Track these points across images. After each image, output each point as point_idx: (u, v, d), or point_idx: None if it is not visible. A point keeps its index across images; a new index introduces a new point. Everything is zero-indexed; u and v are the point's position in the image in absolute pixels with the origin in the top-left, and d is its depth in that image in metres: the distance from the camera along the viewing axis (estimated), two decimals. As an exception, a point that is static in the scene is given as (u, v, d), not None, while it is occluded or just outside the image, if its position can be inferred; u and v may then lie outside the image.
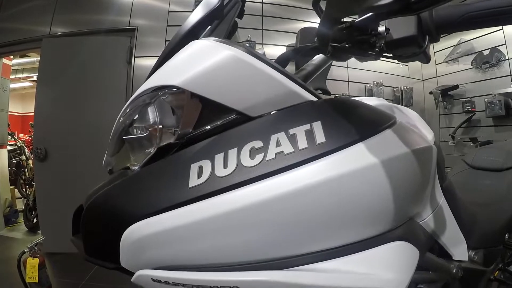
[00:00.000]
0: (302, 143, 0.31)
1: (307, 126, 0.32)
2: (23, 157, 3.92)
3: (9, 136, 3.52)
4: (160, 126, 0.35)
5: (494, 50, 2.10)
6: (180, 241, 0.31)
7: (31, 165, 3.74)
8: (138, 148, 0.38)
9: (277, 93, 0.35)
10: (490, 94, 2.04)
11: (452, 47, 2.38)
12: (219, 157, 0.32)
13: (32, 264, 1.53)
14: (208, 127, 0.35)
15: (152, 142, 0.36)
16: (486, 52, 2.16)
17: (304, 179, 0.29)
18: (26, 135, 5.36)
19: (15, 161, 3.96)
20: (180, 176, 0.32)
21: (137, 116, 0.37)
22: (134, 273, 0.32)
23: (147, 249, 0.32)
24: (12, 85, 3.85)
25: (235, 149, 0.32)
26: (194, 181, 0.31)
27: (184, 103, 0.34)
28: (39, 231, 2.51)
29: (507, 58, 2.06)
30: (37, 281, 1.53)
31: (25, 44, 2.34)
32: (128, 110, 0.39)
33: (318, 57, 0.64)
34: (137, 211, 0.32)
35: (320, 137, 0.31)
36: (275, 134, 0.32)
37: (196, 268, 0.32)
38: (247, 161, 0.31)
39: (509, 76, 2.02)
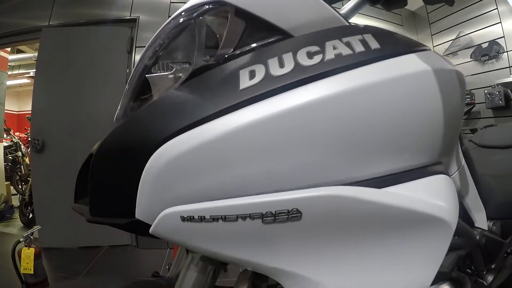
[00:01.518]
0: (359, 47, 0.30)
1: (360, 37, 0.31)
2: (19, 154, 3.87)
3: (5, 134, 3.48)
4: (198, 46, 0.32)
5: (493, 43, 2.12)
6: (224, 158, 0.26)
7: (27, 162, 3.69)
8: (163, 88, 0.35)
9: (322, 16, 0.34)
10: (490, 86, 2.05)
11: (451, 41, 2.40)
12: (273, 61, 0.29)
13: (27, 254, 1.49)
14: (252, 45, 0.33)
15: (186, 65, 0.33)
16: (485, 45, 2.18)
17: (365, 77, 0.28)
18: (22, 133, 5.30)
19: (10, 157, 3.91)
20: (226, 82, 0.29)
21: (167, 45, 0.34)
22: (151, 225, 0.28)
23: (177, 178, 0.27)
24: (8, 82, 3.81)
25: (290, 53, 0.30)
26: (245, 83, 0.28)
27: (227, 21, 0.32)
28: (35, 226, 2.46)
29: (505, 50, 2.08)
30: (32, 272, 1.49)
31: (24, 35, 2.32)
32: (158, 38, 0.35)
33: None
34: (168, 128, 0.28)
35: (374, 44, 0.31)
36: (330, 41, 0.30)
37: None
38: (305, 61, 0.29)
39: (508, 68, 2.03)
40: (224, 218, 0.27)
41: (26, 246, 1.47)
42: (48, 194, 2.18)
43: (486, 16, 2.20)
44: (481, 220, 0.65)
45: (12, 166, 3.85)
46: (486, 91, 2.08)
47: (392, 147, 0.29)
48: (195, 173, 0.27)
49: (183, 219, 0.27)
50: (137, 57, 2.16)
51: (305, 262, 0.30)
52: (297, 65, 0.28)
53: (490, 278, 0.74)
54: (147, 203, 0.29)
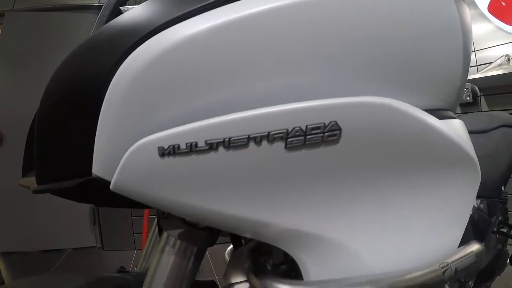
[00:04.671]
0: None
1: None
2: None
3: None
4: None
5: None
6: (220, 60, 0.19)
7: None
8: None
9: None
10: (458, 83, 2.11)
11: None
12: None
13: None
14: None
15: None
16: (454, 45, 2.25)
17: None
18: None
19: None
20: None
21: None
22: (111, 182, 0.20)
23: (151, 99, 0.19)
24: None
25: None
26: None
27: None
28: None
29: (473, 50, 2.16)
30: None
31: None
32: None
33: None
34: (130, 37, 0.20)
35: None
36: None
37: None
38: None
39: (475, 67, 2.11)
40: (228, 144, 0.19)
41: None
42: (4, 192, 2.03)
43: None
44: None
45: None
46: (455, 89, 2.13)
47: (409, 80, 0.24)
48: (180, 86, 0.19)
49: (163, 152, 0.19)
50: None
51: (337, 217, 0.23)
52: None
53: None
54: (107, 151, 0.21)
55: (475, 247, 0.29)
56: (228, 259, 0.80)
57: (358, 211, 0.23)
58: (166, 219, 0.31)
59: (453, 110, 0.30)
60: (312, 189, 0.22)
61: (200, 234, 0.31)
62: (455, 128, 0.26)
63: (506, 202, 0.85)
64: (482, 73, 1.95)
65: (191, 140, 0.19)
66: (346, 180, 0.22)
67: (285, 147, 0.19)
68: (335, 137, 0.19)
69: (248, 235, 0.26)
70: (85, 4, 2.13)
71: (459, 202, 0.27)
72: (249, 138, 0.19)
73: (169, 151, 0.19)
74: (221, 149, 0.19)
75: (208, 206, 0.21)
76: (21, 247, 2.05)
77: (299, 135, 0.19)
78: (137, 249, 2.15)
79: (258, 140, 0.19)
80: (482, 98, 2.10)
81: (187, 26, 0.20)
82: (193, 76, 0.19)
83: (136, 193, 0.20)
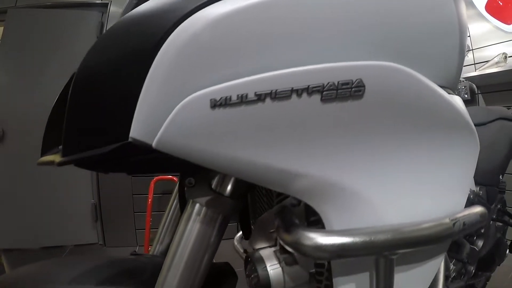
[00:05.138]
0: None
1: None
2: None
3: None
4: None
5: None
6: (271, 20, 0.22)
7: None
8: None
9: None
10: (456, 81, 2.14)
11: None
12: None
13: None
14: None
15: None
16: (452, 44, 2.29)
17: None
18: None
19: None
20: None
21: None
22: (148, 144, 0.22)
23: (205, 59, 0.22)
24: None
25: None
26: None
27: None
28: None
29: (471, 49, 2.19)
30: None
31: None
32: None
33: None
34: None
35: None
36: None
37: None
38: None
39: (473, 65, 2.14)
40: (274, 95, 0.21)
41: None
42: (6, 189, 2.03)
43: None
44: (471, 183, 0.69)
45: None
46: (454, 87, 2.17)
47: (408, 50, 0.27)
48: (232, 46, 0.22)
49: (215, 104, 0.21)
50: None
51: (359, 169, 0.26)
52: None
53: (480, 243, 0.78)
54: (151, 112, 0.22)
55: (479, 208, 0.33)
56: (237, 245, 0.81)
57: (377, 165, 0.27)
58: (193, 188, 0.33)
59: (453, 90, 0.33)
60: (340, 140, 0.25)
61: (226, 201, 0.33)
62: (456, 101, 0.30)
63: (504, 192, 0.89)
64: (479, 70, 1.97)
65: (242, 92, 0.21)
66: (369, 133, 0.26)
67: (321, 99, 0.23)
68: (360, 93, 0.23)
69: (279, 188, 0.28)
70: (87, 1, 2.14)
71: (462, 166, 0.32)
72: (292, 91, 0.22)
73: (221, 102, 0.21)
74: (268, 100, 0.22)
75: (249, 157, 0.23)
76: (23, 244, 2.05)
77: (332, 89, 0.22)
78: (139, 246, 2.15)
79: (299, 92, 0.22)
80: (480, 95, 2.14)
81: None
82: (244, 41, 0.22)
83: (181, 147, 0.22)
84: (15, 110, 2.04)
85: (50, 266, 0.45)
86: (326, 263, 0.33)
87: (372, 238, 0.25)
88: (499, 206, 0.89)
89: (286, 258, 0.32)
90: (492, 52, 2.02)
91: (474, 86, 2.08)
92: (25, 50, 2.04)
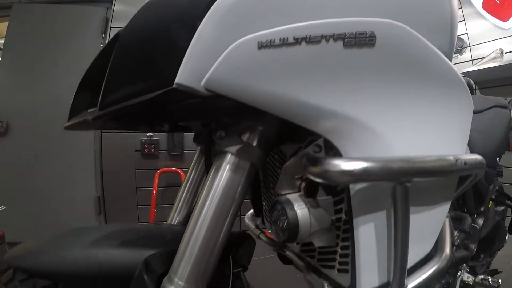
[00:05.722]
0: None
1: None
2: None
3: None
4: None
5: (457, 38, 2.28)
6: None
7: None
8: None
9: None
10: (455, 77, 2.19)
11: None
12: None
13: (-11, 238, 1.36)
14: None
15: None
16: (450, 41, 2.33)
17: None
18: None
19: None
20: None
21: None
22: (192, 89, 0.27)
23: (255, 8, 0.27)
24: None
25: None
26: None
27: None
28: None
29: (468, 45, 2.24)
30: None
31: (-8, 12, 2.21)
32: None
33: None
34: None
35: None
36: None
37: None
38: None
39: (470, 61, 2.19)
40: (308, 39, 0.27)
41: (-12, 229, 1.35)
42: (10, 182, 2.04)
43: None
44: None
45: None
46: (452, 82, 2.21)
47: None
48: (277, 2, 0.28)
49: (261, 45, 0.26)
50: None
51: (375, 107, 0.32)
52: None
53: (480, 221, 0.84)
54: (201, 57, 0.27)
55: (478, 156, 0.39)
56: (248, 222, 0.83)
57: (388, 106, 0.33)
58: (224, 139, 0.36)
59: (449, 58, 0.38)
60: (357, 82, 0.31)
61: (254, 150, 0.36)
62: (451, 64, 0.37)
63: (502, 174, 0.93)
64: (477, 66, 2.02)
65: (284, 36, 0.27)
66: (381, 78, 0.32)
67: (343, 45, 0.29)
68: (372, 42, 0.30)
69: (307, 124, 0.32)
70: (93, -3, 2.16)
71: (459, 116, 0.39)
72: (321, 36, 0.28)
73: (266, 44, 0.26)
74: (303, 43, 0.27)
75: (288, 93, 0.29)
76: (26, 236, 2.04)
77: (352, 37, 0.29)
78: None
79: (327, 38, 0.28)
80: (477, 91, 2.18)
81: None
82: None
83: (228, 85, 0.27)
84: (19, 104, 2.05)
85: (71, 233, 0.47)
86: (344, 208, 0.36)
87: (389, 165, 0.29)
88: (497, 187, 0.94)
89: (310, 201, 0.35)
90: (489, 49, 2.06)
91: (472, 82, 2.13)
92: (29, 45, 2.06)
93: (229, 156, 0.36)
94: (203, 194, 0.37)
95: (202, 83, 0.26)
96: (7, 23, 2.10)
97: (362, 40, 0.29)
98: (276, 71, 0.27)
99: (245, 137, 0.37)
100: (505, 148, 0.97)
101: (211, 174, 0.37)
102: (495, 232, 0.97)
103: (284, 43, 0.27)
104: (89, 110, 0.43)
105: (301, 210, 0.34)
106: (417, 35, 0.32)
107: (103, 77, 0.34)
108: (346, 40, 0.28)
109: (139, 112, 0.33)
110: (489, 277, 0.90)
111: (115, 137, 2.09)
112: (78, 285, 0.40)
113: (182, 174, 2.02)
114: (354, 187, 0.33)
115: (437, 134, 0.36)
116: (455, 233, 0.69)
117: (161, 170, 2.04)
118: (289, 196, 0.35)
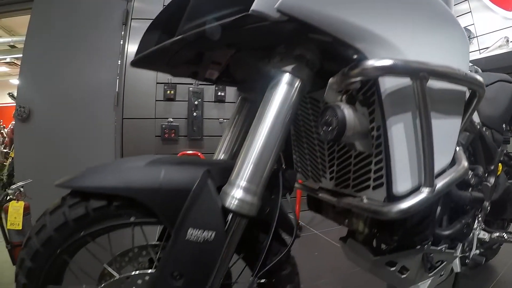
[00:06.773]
0: None
1: None
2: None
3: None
4: None
5: (464, 29, 2.34)
6: None
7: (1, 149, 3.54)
8: None
9: None
10: (462, 66, 2.25)
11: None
12: None
13: (16, 208, 1.43)
14: None
15: None
16: (457, 32, 2.39)
17: None
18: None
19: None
20: None
21: None
22: (271, 14, 0.35)
23: None
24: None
25: None
26: None
27: None
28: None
29: (475, 35, 2.30)
30: (20, 228, 1.41)
31: (15, 5, 2.30)
32: None
33: None
34: None
35: None
36: None
37: None
38: None
39: (478, 51, 2.25)
40: None
41: (15, 199, 1.41)
42: (32, 167, 2.10)
43: (457, 6, 2.47)
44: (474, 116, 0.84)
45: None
46: (459, 72, 2.27)
47: None
48: None
49: None
50: (132, 30, 2.19)
51: (394, 26, 0.43)
52: None
53: (491, 180, 0.91)
54: None
55: (478, 76, 0.49)
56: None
57: (406, 30, 0.45)
58: (281, 61, 0.45)
59: (449, 6, 0.50)
60: (391, 13, 0.43)
61: (305, 70, 0.46)
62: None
63: (509, 142, 1.01)
64: (484, 53, 2.08)
65: None
66: (404, 11, 0.45)
67: None
68: None
69: (347, 38, 0.41)
70: (114, -12, 2.23)
71: (459, 46, 0.51)
72: None
73: None
74: None
75: (347, 18, 0.39)
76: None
77: None
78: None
79: None
80: (484, 79, 2.24)
81: None
82: None
83: (299, 8, 0.36)
84: (41, 92, 2.12)
85: (124, 159, 0.52)
86: (376, 111, 0.46)
87: (409, 63, 0.41)
88: (505, 151, 1.02)
89: (352, 107, 0.44)
90: (495, 38, 2.12)
91: (480, 70, 2.19)
92: (51, 36, 2.13)
93: (284, 74, 0.44)
94: (260, 107, 0.44)
95: (276, 5, 0.34)
96: (29, 16, 2.18)
97: None
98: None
99: (297, 58, 0.45)
100: (510, 117, 1.06)
101: (268, 90, 0.45)
102: (507, 196, 1.03)
103: None
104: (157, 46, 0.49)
105: (347, 110, 0.43)
106: None
107: (173, 19, 0.42)
108: None
109: (210, 42, 0.40)
110: (504, 233, 0.96)
111: (136, 123, 2.15)
112: (134, 202, 0.40)
113: (202, 157, 2.08)
114: (384, 85, 0.42)
115: (444, 50, 0.48)
116: (470, 173, 0.75)
117: (181, 152, 2.10)
118: (337, 102, 0.44)
